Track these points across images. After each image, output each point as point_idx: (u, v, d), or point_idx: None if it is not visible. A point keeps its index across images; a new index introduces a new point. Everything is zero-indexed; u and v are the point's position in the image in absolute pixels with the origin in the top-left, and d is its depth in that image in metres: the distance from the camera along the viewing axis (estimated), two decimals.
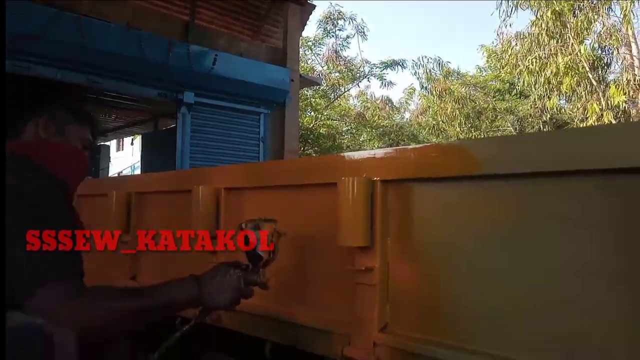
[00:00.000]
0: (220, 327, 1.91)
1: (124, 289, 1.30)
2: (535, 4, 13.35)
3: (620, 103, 12.07)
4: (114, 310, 1.13)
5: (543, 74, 13.17)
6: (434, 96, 19.00)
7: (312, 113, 18.32)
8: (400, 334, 1.37)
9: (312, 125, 18.00)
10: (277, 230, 1.42)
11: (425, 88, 19.61)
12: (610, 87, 12.55)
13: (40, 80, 5.79)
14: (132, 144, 14.04)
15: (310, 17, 9.34)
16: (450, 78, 18.77)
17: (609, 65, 13.48)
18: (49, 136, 1.32)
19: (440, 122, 18.58)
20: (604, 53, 13.28)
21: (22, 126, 1.31)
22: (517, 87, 16.73)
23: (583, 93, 13.14)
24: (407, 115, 23.67)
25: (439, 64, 18.66)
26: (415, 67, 18.75)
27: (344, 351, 1.44)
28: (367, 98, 21.76)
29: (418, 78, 19.34)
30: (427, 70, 18.56)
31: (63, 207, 1.20)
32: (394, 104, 22.84)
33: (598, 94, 12.85)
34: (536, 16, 13.43)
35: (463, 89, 18.25)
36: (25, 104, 1.37)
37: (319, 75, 17.98)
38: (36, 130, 1.31)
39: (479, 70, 19.99)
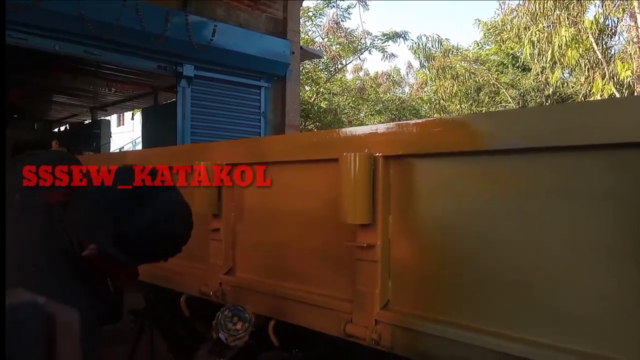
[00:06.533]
0: (224, 304, 1.92)
1: None
2: None
3: (626, 78, 11.92)
4: None
5: (549, 46, 12.96)
6: (431, 74, 18.78)
7: (313, 87, 18.14)
8: (401, 311, 1.38)
9: (313, 99, 17.85)
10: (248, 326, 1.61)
11: (424, 66, 19.35)
12: (614, 61, 12.38)
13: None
14: (132, 119, 13.93)
15: None
16: (449, 55, 18.45)
17: (614, 34, 13.27)
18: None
19: (441, 100, 18.42)
20: (608, 22, 13.04)
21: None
22: (520, 59, 16.52)
23: (587, 66, 12.97)
24: (407, 89, 23.48)
25: (438, 41, 18.35)
26: (414, 46, 18.45)
27: (346, 329, 1.45)
28: (366, 73, 21.55)
29: (417, 57, 19.04)
30: (426, 49, 18.25)
31: None
32: (394, 77, 22.61)
33: (602, 67, 12.69)
34: None
35: (463, 63, 18.02)
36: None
37: (319, 47, 17.72)
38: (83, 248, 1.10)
39: (477, 45, 19.67)
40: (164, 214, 1.11)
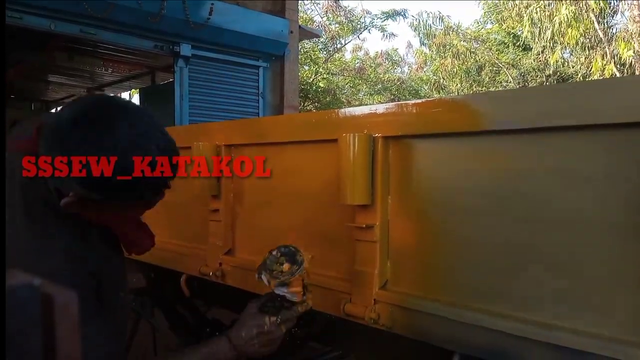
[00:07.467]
0: (223, 284, 1.94)
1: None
2: None
3: (628, 58, 11.82)
4: None
5: (550, 24, 12.82)
6: (432, 52, 18.59)
7: (312, 67, 17.96)
8: (400, 291, 1.39)
9: (312, 79, 17.71)
10: (305, 279, 1.36)
11: (424, 44, 19.15)
12: (616, 40, 12.26)
13: None
14: (130, 99, 13.86)
15: None
16: (450, 33, 18.21)
17: (615, 13, 13.10)
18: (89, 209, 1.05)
19: (441, 79, 18.29)
20: (609, 1, 12.85)
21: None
22: (520, 39, 16.35)
23: (587, 45, 12.85)
24: (406, 69, 23.30)
25: (440, 18, 18.10)
26: (414, 23, 18.21)
27: (344, 308, 1.46)
28: (365, 53, 21.35)
29: (417, 35, 18.79)
30: (427, 26, 18.03)
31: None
32: (393, 57, 22.42)
33: (603, 47, 12.57)
34: None
35: (463, 42, 17.85)
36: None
37: (318, 26, 17.52)
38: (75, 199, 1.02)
39: (477, 24, 19.41)
40: (131, 141, 1.00)
